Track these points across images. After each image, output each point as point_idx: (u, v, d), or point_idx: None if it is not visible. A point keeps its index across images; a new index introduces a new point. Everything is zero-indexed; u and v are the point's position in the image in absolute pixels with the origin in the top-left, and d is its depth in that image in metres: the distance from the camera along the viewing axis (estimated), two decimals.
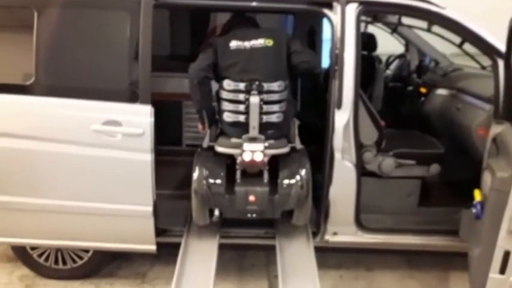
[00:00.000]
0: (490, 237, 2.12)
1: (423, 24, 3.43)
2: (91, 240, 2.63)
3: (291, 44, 2.53)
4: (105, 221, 2.53)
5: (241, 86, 2.42)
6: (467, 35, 2.65)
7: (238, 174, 2.46)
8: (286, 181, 2.46)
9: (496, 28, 2.48)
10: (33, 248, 2.79)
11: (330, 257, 3.07)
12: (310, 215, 2.67)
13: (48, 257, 2.81)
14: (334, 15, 2.49)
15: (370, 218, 2.79)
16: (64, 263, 2.83)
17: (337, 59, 2.48)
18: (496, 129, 2.41)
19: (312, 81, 3.87)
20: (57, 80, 2.45)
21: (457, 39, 3.12)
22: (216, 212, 2.47)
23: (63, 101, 2.41)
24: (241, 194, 2.42)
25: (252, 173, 2.45)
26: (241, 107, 2.42)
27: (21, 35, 2.45)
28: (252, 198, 2.40)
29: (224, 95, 2.46)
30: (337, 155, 2.56)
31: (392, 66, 4.55)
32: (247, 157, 2.36)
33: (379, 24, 4.17)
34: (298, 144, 2.64)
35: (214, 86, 2.58)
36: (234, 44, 2.48)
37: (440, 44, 3.73)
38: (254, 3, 2.54)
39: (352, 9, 2.49)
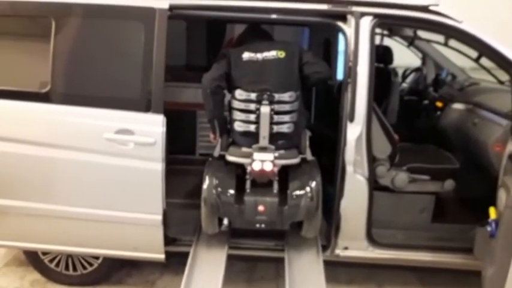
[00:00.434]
0: (504, 256, 2.06)
1: (440, 38, 3.40)
2: (101, 247, 2.64)
3: (303, 56, 2.54)
4: (115, 228, 2.54)
5: (253, 96, 2.44)
6: (483, 49, 2.61)
7: (248, 184, 2.45)
8: (296, 192, 2.45)
9: None
10: (44, 253, 2.83)
11: (340, 271, 3.03)
12: (321, 229, 2.66)
13: (59, 263, 2.85)
14: (348, 28, 2.48)
15: (382, 233, 2.74)
16: (74, 269, 2.86)
17: (350, 71, 2.47)
18: None
19: (326, 92, 3.86)
20: (72, 88, 2.49)
21: (475, 53, 3.07)
22: (225, 221, 2.49)
23: (77, 109, 2.45)
24: (250, 204, 2.41)
25: (262, 183, 2.44)
26: (252, 117, 2.44)
27: (38, 43, 2.49)
28: (261, 208, 2.40)
29: (236, 104, 2.49)
30: (349, 168, 2.53)
31: (409, 80, 4.50)
32: (256, 166, 2.35)
33: (396, 37, 4.14)
34: (309, 156, 2.63)
35: (228, 96, 2.60)
36: (246, 55, 2.51)
37: (459, 58, 3.68)
38: (268, 16, 2.56)
39: (366, 22, 2.48)
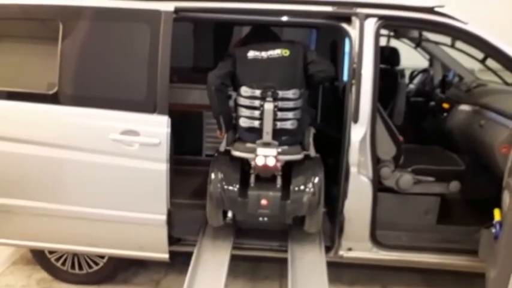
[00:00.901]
0: (507, 258, 2.04)
1: (447, 39, 3.38)
2: (106, 246, 2.67)
3: (308, 55, 2.61)
4: (120, 228, 2.57)
5: (257, 92, 2.51)
6: (489, 50, 2.60)
7: (252, 178, 2.52)
8: (298, 187, 2.49)
9: None
10: (51, 252, 2.87)
11: (344, 272, 3.03)
12: (325, 229, 2.71)
13: (65, 262, 2.89)
14: (353, 29, 2.48)
15: (386, 234, 2.74)
16: (80, 267, 2.90)
17: (354, 73, 2.47)
18: None
19: (332, 94, 3.86)
20: (78, 90, 2.53)
21: (481, 55, 3.05)
22: (229, 214, 2.56)
23: (84, 110, 2.48)
24: (253, 198, 2.47)
25: (266, 178, 2.51)
26: (257, 113, 2.50)
27: (46, 46, 2.53)
28: (264, 202, 2.46)
29: (241, 101, 2.56)
30: (353, 170, 2.54)
31: (416, 81, 4.48)
32: (260, 161, 2.42)
33: (404, 39, 4.13)
34: (312, 152, 2.68)
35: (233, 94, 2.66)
36: (251, 54, 2.58)
37: (468, 60, 3.66)
38: (273, 18, 2.57)
39: (371, 23, 2.48)
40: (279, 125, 2.50)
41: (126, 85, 2.51)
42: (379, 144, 2.63)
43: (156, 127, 2.45)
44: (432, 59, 4.24)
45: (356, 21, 2.47)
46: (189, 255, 2.59)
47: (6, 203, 2.58)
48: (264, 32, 2.78)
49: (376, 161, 2.63)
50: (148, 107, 2.45)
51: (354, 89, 2.48)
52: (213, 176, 2.51)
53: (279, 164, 2.45)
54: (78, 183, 2.54)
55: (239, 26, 4.23)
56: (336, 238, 2.69)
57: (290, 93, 2.52)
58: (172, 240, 2.65)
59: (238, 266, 3.02)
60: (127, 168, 2.48)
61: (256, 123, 2.51)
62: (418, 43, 3.93)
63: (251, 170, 2.52)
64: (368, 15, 2.47)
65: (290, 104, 2.52)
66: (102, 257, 2.86)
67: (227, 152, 2.64)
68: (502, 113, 2.76)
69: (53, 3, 2.49)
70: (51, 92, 2.47)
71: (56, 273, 2.93)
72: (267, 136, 2.47)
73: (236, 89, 2.61)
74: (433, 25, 2.56)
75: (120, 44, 2.50)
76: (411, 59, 4.21)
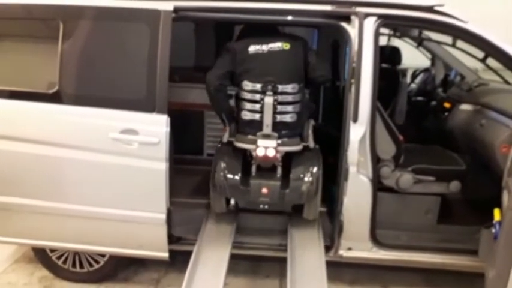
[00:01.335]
0: (506, 258, 2.03)
1: (448, 38, 3.36)
2: (106, 245, 2.69)
3: (308, 54, 2.67)
4: (120, 227, 2.58)
5: (258, 86, 2.59)
6: (489, 49, 2.59)
7: (253, 168, 2.65)
8: (297, 177, 2.61)
9: None
10: (52, 251, 2.89)
11: (344, 272, 3.03)
12: (325, 229, 2.74)
13: (66, 260, 2.91)
14: (352, 28, 2.48)
15: (387, 234, 2.74)
16: (81, 266, 2.92)
17: (353, 72, 2.47)
18: None
19: (333, 93, 3.85)
20: (78, 89, 2.54)
21: (482, 54, 3.04)
22: (232, 201, 2.75)
23: (84, 109, 2.49)
24: (255, 186, 2.59)
25: (266, 168, 2.64)
26: (257, 106, 2.59)
27: (46, 45, 2.54)
28: (264, 190, 2.58)
29: (242, 95, 2.64)
30: (352, 169, 2.54)
31: (417, 80, 4.46)
32: (260, 152, 2.53)
33: (405, 38, 4.12)
34: (311, 144, 2.75)
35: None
36: (252, 48, 2.62)
37: (471, 59, 3.65)
38: (272, 17, 2.57)
39: (370, 22, 2.47)
40: (279, 118, 2.58)
41: (125, 84, 2.51)
42: (379, 144, 2.63)
43: (156, 126, 2.46)
44: (434, 58, 4.22)
45: (355, 20, 2.46)
46: (189, 254, 2.58)
47: (7, 201, 2.60)
48: (262, 24, 2.78)
49: (376, 161, 2.63)
50: (147, 106, 2.46)
51: (353, 88, 2.47)
52: (216, 165, 2.64)
53: (278, 155, 2.56)
54: (78, 182, 2.55)
55: (240, 26, 4.24)
56: (335, 237, 2.69)
57: (289, 88, 2.59)
58: (172, 239, 2.66)
59: (238, 264, 3.03)
60: (126, 167, 2.48)
61: (257, 116, 2.60)
62: (420, 42, 3.92)
63: (252, 160, 2.63)
64: (367, 14, 2.47)
65: (289, 98, 2.60)
66: (102, 255, 2.88)
67: (230, 143, 2.74)
68: (503, 112, 2.75)
69: (53, 2, 2.51)
70: (51, 91, 2.49)
71: (57, 271, 2.95)
72: (267, 128, 2.57)
73: (237, 83, 2.67)
74: (433, 24, 2.55)
75: (120, 43, 2.51)
76: (414, 58, 4.20)
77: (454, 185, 2.88)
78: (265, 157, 2.54)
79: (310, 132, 2.79)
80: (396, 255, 2.71)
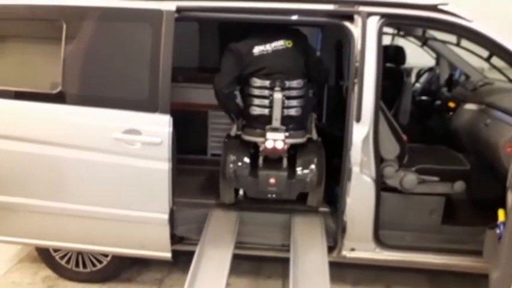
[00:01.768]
0: (510, 259, 2.01)
1: (453, 37, 3.34)
2: (109, 245, 2.69)
3: (309, 52, 2.82)
4: (123, 227, 2.59)
5: (267, 83, 2.73)
6: (494, 48, 2.56)
7: (261, 160, 2.80)
8: (302, 167, 2.79)
9: None
10: (55, 250, 2.90)
11: (347, 272, 3.02)
12: (328, 230, 2.76)
13: (70, 260, 2.91)
14: (355, 28, 2.46)
15: (390, 234, 2.72)
16: (84, 266, 2.92)
17: (356, 72, 2.46)
18: None
19: (337, 93, 3.84)
20: (81, 89, 2.54)
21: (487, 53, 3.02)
22: (241, 192, 2.87)
23: (87, 109, 2.50)
24: (263, 177, 2.76)
25: (273, 159, 2.79)
26: (266, 102, 2.73)
27: (49, 45, 2.56)
28: (272, 180, 2.75)
29: (251, 91, 2.77)
30: (355, 169, 2.52)
31: (422, 80, 4.44)
32: (269, 145, 2.69)
33: (410, 37, 4.09)
34: (314, 136, 2.94)
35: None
36: (257, 49, 2.73)
37: (476, 58, 3.62)
38: (275, 17, 2.56)
39: (373, 22, 2.46)
40: (286, 112, 2.73)
41: (128, 84, 2.52)
42: (383, 144, 2.61)
43: (158, 126, 2.45)
44: (439, 58, 4.19)
45: (358, 20, 2.45)
46: (192, 254, 2.58)
47: (11, 201, 2.61)
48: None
49: (380, 161, 2.61)
50: (150, 106, 2.46)
51: (356, 88, 2.46)
52: (226, 157, 2.80)
53: (286, 147, 2.72)
54: (81, 182, 2.56)
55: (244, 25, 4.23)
56: (338, 238, 2.67)
57: (295, 83, 2.74)
58: (175, 239, 2.66)
59: (241, 265, 3.02)
60: (129, 167, 2.49)
61: (266, 111, 2.74)
62: (424, 42, 3.89)
63: (260, 152, 2.77)
64: (370, 14, 2.45)
65: (295, 93, 2.75)
66: (105, 255, 2.88)
67: (237, 137, 2.90)
68: (508, 112, 2.72)
69: (57, 3, 2.52)
70: (54, 92, 2.49)
71: (60, 271, 2.96)
72: (276, 122, 2.72)
73: (244, 81, 2.79)
74: (437, 23, 2.53)
75: (123, 43, 2.51)
76: (418, 57, 4.18)
77: (459, 185, 2.86)
78: (274, 149, 2.68)
79: (313, 125, 2.96)
80: (400, 256, 2.69)
